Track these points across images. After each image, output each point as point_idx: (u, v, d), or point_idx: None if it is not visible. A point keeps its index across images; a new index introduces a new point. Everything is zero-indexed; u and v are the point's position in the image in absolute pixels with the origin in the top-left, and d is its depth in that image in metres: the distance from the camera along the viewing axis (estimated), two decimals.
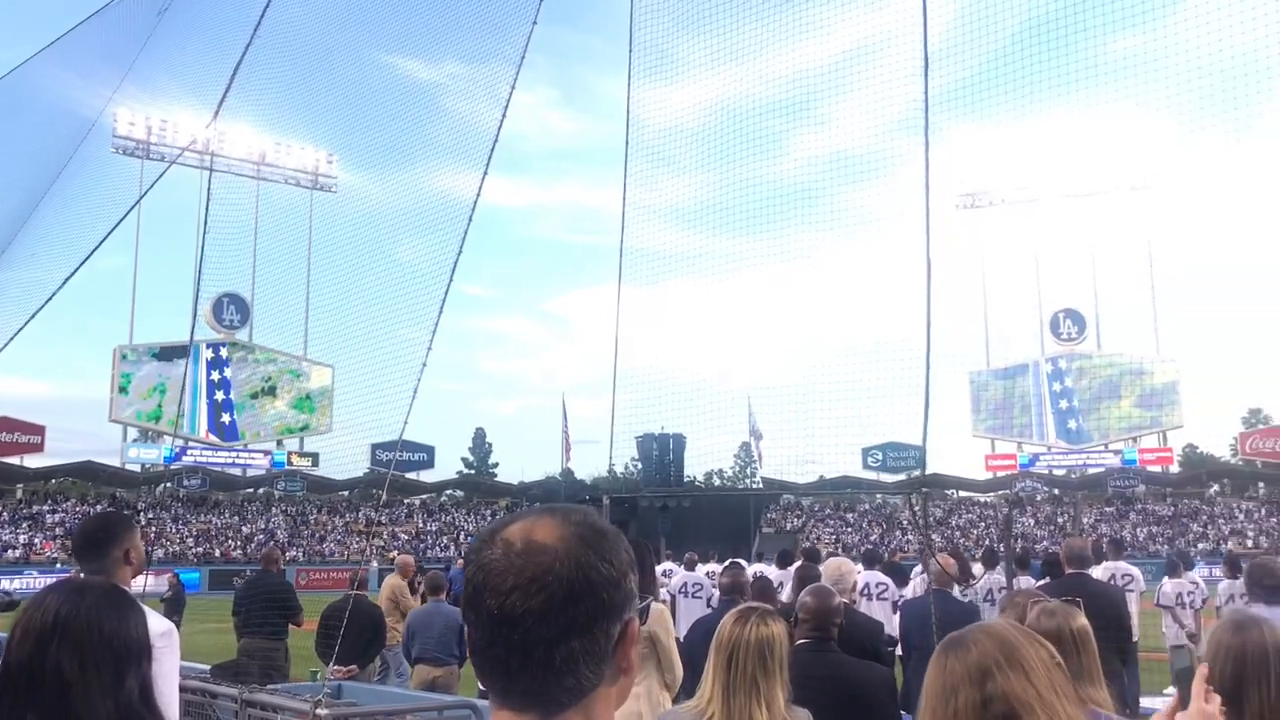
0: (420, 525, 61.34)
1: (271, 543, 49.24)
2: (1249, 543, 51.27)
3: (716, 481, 76.56)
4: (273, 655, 10.72)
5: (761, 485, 63.82)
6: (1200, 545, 52.16)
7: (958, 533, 56.79)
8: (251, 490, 62.05)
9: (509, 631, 1.26)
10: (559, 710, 1.28)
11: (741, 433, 42.36)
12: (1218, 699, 1.88)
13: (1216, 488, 62.62)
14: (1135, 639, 12.09)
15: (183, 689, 5.91)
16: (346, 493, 61.81)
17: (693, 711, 3.59)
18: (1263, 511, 57.35)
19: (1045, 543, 48.96)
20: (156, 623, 3.31)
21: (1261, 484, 60.66)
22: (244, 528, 57.23)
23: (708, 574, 15.19)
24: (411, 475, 62.07)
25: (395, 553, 51.82)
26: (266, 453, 60.72)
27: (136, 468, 58.74)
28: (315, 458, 58.88)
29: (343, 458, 46.21)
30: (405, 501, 64.28)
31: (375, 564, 46.91)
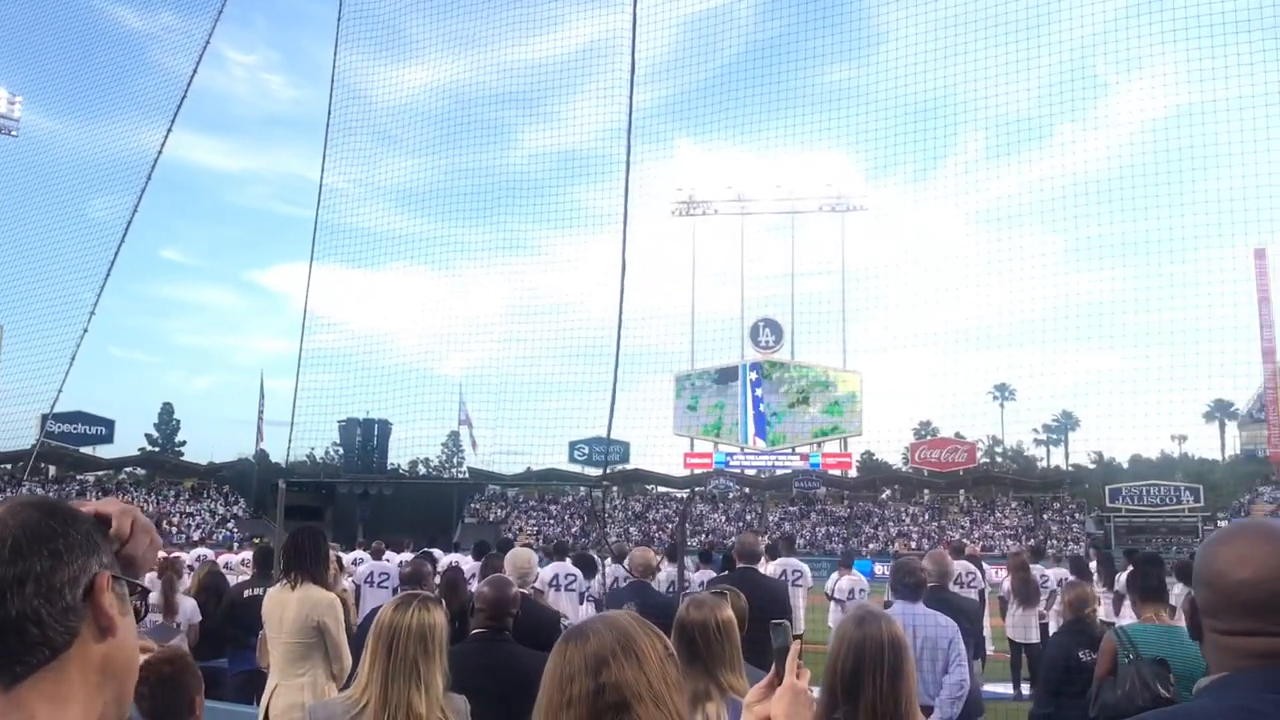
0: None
1: None
2: (913, 544, 55.98)
3: (422, 470, 75.47)
4: None
5: (467, 475, 63.56)
6: (871, 545, 56.57)
7: (654, 526, 58.83)
8: None
9: None
10: (26, 673, 1.22)
11: (451, 421, 41.95)
12: (808, 673, 2.00)
13: (888, 492, 67.88)
14: (800, 632, 12.95)
15: None
16: (9, 466, 56.36)
17: (346, 701, 3.52)
18: (926, 516, 62.85)
19: (733, 539, 51.44)
20: None
21: (927, 490, 66.37)
22: None
23: (400, 564, 14.94)
24: (86, 449, 57.75)
25: None
26: None
27: None
28: None
29: (7, 427, 42.22)
30: (79, 478, 59.48)
31: None
